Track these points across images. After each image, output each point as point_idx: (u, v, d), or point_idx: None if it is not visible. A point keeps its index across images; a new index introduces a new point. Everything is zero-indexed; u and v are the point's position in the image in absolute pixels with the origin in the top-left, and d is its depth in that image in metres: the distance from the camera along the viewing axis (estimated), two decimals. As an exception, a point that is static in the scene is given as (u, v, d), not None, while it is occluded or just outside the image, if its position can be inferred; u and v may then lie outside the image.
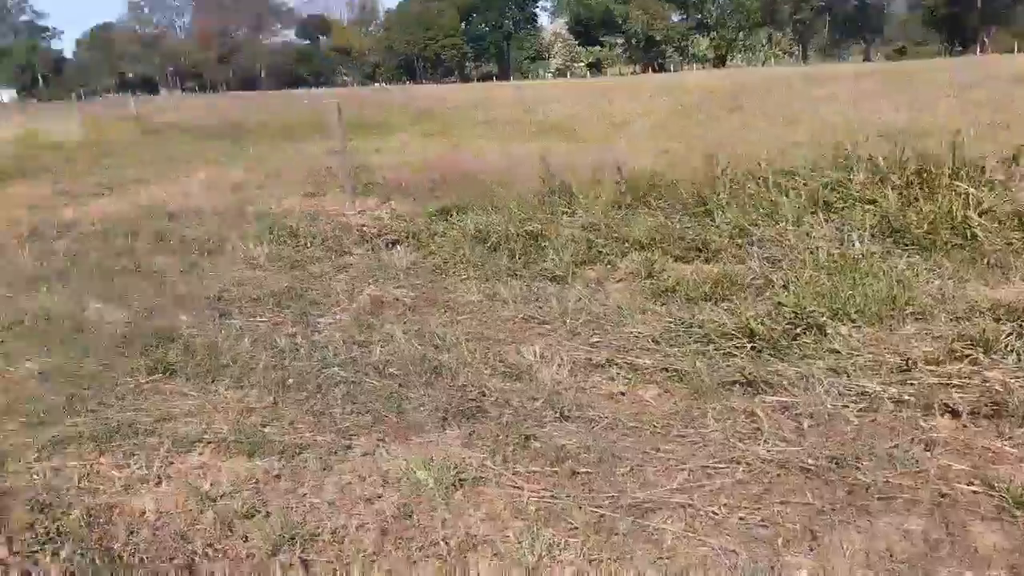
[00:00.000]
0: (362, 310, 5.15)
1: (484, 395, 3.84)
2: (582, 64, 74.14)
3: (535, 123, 17.05)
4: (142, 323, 5.07)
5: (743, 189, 6.14)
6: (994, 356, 3.81)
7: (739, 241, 5.49)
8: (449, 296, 5.33)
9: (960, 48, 54.48)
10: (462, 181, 8.45)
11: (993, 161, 5.72)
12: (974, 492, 2.90)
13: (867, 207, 5.53)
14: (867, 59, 58.41)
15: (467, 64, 78.13)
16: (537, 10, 79.06)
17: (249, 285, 5.88)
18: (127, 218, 8.78)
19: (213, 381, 4.11)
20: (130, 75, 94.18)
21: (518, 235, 6.06)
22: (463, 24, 76.84)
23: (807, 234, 5.34)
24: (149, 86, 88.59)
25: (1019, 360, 3.77)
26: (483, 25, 77.06)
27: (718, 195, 6.10)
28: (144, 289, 5.92)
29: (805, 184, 5.99)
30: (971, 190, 5.23)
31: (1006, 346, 3.87)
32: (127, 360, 4.44)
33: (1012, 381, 3.57)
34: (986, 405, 3.46)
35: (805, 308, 4.26)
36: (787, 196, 5.82)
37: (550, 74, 75.82)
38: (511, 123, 17.53)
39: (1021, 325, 3.99)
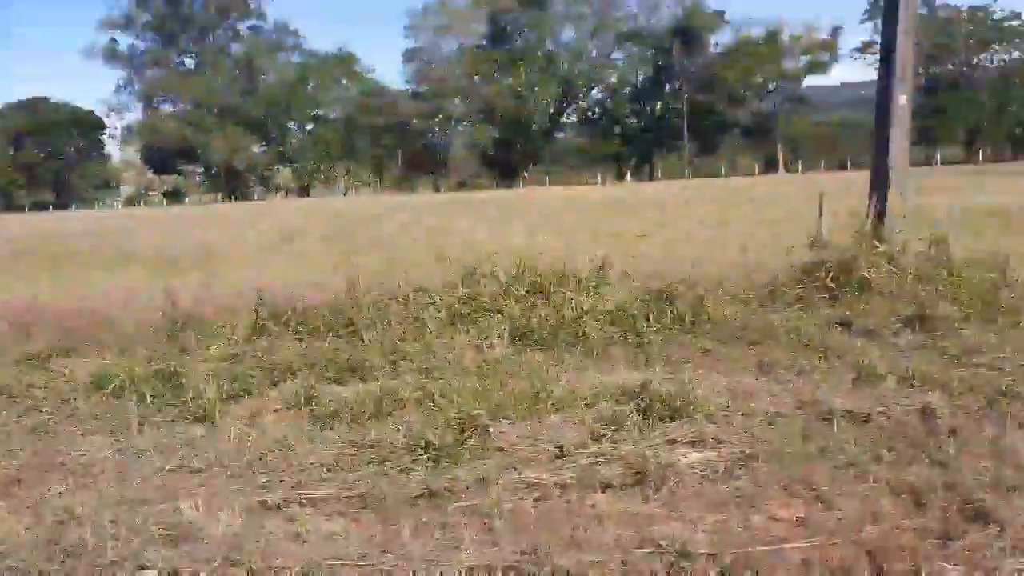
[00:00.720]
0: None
1: (144, 568, 3.25)
2: (158, 193, 70.10)
3: (124, 255, 15.53)
4: None
5: (386, 309, 6.35)
6: (624, 432, 4.44)
7: (391, 357, 5.63)
8: (67, 458, 4.45)
9: (508, 182, 64.45)
10: (55, 322, 7.23)
11: (586, 272, 6.85)
12: (647, 553, 3.28)
13: (497, 316, 6.15)
14: (437, 190, 65.55)
15: (16, 193, 68.41)
16: (104, 137, 73.18)
17: None
18: None
19: None
20: None
21: (147, 376, 5.37)
22: (11, 151, 67.58)
23: (450, 345, 5.70)
24: None
25: (642, 433, 4.44)
26: (37, 151, 68.70)
27: (363, 316, 6.21)
28: None
29: (441, 299, 6.45)
30: (575, 296, 6.19)
31: (631, 423, 4.53)
32: None
33: (644, 452, 4.18)
34: (630, 475, 3.99)
35: (468, 412, 4.49)
36: (428, 312, 6.19)
37: (119, 202, 69.96)
38: (81, 255, 15.71)
39: (637, 404, 4.70)
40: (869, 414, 4.52)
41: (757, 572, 3.08)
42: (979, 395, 4.78)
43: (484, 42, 70.78)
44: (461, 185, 67.94)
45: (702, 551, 3.22)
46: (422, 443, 4.23)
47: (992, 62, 68.11)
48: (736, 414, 4.60)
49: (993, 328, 6.24)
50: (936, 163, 54.46)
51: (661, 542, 3.31)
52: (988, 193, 19.50)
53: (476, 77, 68.36)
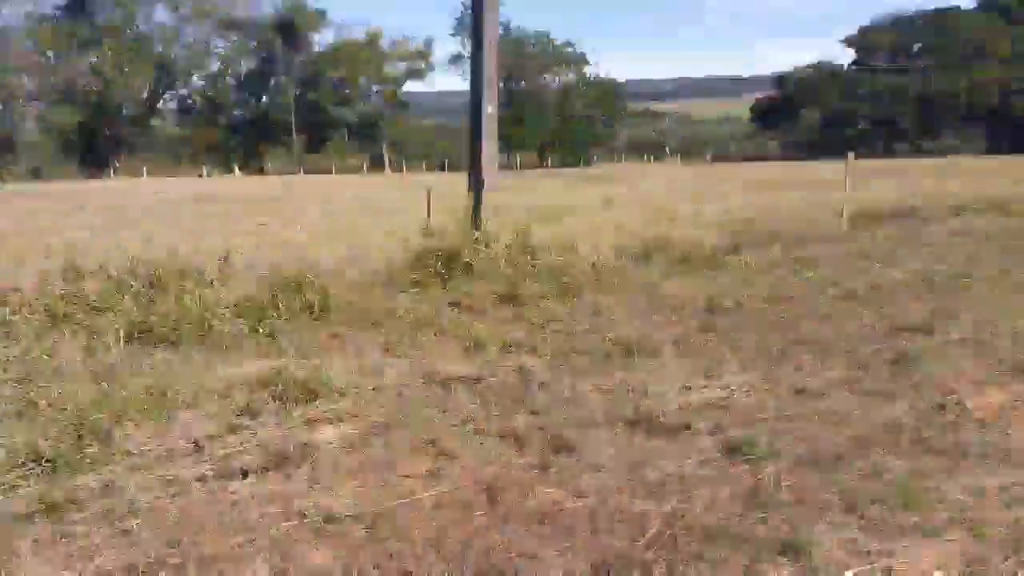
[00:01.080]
0: None
1: None
2: None
3: None
4: None
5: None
6: (262, 419, 4.53)
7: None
8: None
9: (95, 171, 56.98)
10: None
11: (208, 264, 6.61)
12: (294, 525, 3.45)
13: (109, 315, 5.64)
14: (2, 179, 55.19)
15: None
16: None
17: None
18: None
19: None
20: None
21: None
22: None
23: (55, 350, 5.10)
24: None
25: (280, 417, 4.57)
26: None
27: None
28: None
29: (37, 299, 5.66)
30: (197, 289, 5.95)
31: (268, 410, 4.63)
32: None
33: (284, 435, 4.32)
34: (271, 459, 4.10)
35: (85, 419, 4.16)
36: (21, 315, 5.39)
37: None
38: None
39: (272, 391, 4.81)
40: (479, 377, 5.25)
41: (396, 522, 3.46)
42: (558, 354, 5.84)
43: (59, 13, 61.48)
44: (35, 174, 58.20)
45: (346, 514, 3.50)
46: (32, 456, 3.83)
47: (556, 82, 79.47)
48: (367, 389, 4.97)
49: (564, 301, 7.59)
50: (517, 167, 62.05)
51: (306, 513, 3.51)
52: (554, 194, 22.99)
53: (50, 52, 59.04)
